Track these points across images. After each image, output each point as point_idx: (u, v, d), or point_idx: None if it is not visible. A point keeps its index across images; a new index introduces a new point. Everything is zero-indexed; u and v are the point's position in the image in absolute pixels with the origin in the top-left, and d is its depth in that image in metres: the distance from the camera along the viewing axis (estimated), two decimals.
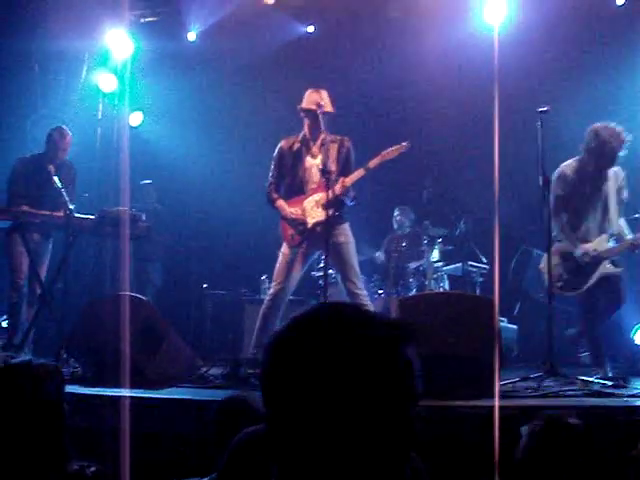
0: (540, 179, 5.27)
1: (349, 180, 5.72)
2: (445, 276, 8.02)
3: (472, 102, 7.21)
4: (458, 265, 7.94)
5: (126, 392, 4.09)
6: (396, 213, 8.55)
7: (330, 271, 5.95)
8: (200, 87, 8.84)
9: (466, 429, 3.90)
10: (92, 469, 2.02)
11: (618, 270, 5.55)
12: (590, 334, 5.65)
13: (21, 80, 8.59)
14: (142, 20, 8.71)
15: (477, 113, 6.64)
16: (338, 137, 5.89)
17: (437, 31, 7.86)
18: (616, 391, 4.61)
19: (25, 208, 6.34)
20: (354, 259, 5.83)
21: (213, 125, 8.91)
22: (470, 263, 7.83)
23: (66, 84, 8.82)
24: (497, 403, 3.58)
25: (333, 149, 5.82)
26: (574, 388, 4.73)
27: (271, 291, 5.87)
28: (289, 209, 5.83)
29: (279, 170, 5.94)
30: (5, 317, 6.91)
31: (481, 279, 7.87)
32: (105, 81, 8.59)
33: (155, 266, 8.68)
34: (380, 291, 7.88)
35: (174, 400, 4.51)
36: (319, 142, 5.86)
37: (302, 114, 5.90)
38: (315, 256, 6.09)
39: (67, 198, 6.18)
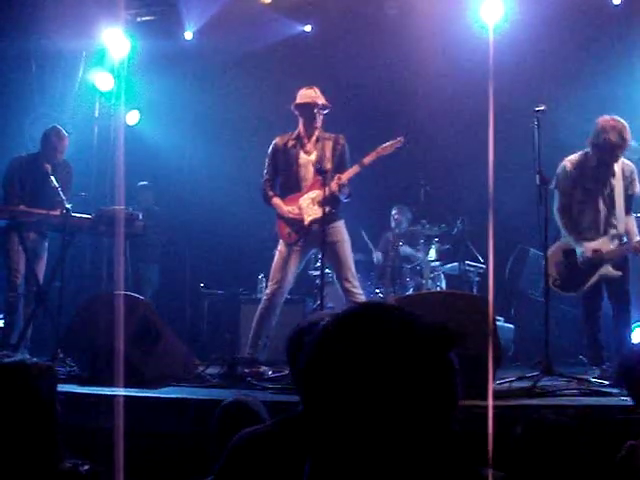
0: (537, 178, 5.24)
1: (345, 176, 5.72)
2: (442, 275, 8.04)
3: (469, 101, 7.20)
4: (455, 264, 7.94)
5: (122, 391, 4.09)
6: (393, 212, 8.55)
7: (327, 270, 5.95)
8: (197, 86, 8.85)
9: (461, 429, 3.89)
10: (85, 467, 2.02)
11: (618, 273, 5.47)
12: (588, 332, 5.60)
13: (18, 79, 8.59)
14: (139, 19, 8.71)
15: (474, 112, 6.63)
16: (332, 135, 5.90)
17: (433, 29, 7.87)
18: (613, 390, 4.61)
19: (22, 207, 6.33)
20: (350, 257, 5.82)
21: (210, 124, 8.90)
22: (467, 262, 7.83)
23: (63, 83, 8.82)
24: (492, 403, 3.58)
25: (328, 146, 5.82)
26: (571, 387, 4.74)
27: (268, 291, 5.87)
28: (286, 207, 5.82)
29: (274, 167, 5.94)
30: (1, 316, 6.90)
31: (478, 278, 7.88)
32: (102, 80, 8.60)
33: (152, 266, 8.68)
34: (377, 290, 7.88)
35: (170, 399, 4.50)
36: (314, 139, 5.87)
37: (296, 112, 5.90)
38: (311, 254, 6.08)
39: (64, 197, 6.18)
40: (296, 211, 5.79)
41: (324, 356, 1.07)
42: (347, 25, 8.57)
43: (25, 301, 6.55)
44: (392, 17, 8.40)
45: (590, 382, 4.90)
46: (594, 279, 5.51)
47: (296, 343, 2.28)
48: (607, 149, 5.38)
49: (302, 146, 5.87)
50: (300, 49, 8.87)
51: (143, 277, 8.40)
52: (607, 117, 5.39)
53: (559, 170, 5.62)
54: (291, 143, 5.89)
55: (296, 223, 5.78)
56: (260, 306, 5.83)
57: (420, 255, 8.02)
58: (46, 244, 6.73)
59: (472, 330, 4.50)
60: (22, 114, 8.44)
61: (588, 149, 5.54)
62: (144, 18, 8.74)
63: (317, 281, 6.98)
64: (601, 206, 5.54)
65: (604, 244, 5.50)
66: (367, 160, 5.76)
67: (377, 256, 8.31)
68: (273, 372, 5.50)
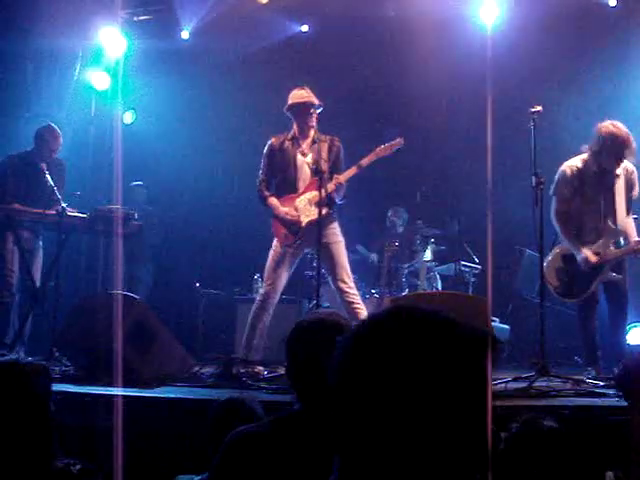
0: (533, 179, 5.22)
1: (343, 177, 5.73)
2: (438, 276, 8.04)
3: (466, 102, 7.23)
4: (451, 265, 7.95)
5: (118, 391, 4.09)
6: (389, 213, 8.55)
7: (322, 270, 5.95)
8: (193, 85, 8.83)
9: None
10: (78, 467, 2.02)
11: (619, 277, 5.45)
12: (584, 333, 5.58)
13: (14, 78, 8.56)
14: (135, 18, 8.69)
15: (471, 113, 6.66)
16: (328, 136, 5.90)
17: (432, 30, 7.86)
18: (608, 391, 4.61)
19: (16, 206, 6.32)
20: (345, 258, 5.82)
21: (206, 123, 8.89)
22: (463, 263, 7.83)
23: (59, 82, 8.79)
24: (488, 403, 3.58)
25: (324, 148, 5.81)
26: (566, 388, 4.74)
27: (262, 291, 5.86)
28: (282, 208, 5.82)
29: (269, 168, 5.92)
30: None
31: (474, 279, 7.88)
32: (98, 79, 8.58)
33: (146, 266, 8.68)
34: (373, 291, 7.88)
35: (166, 399, 4.50)
36: (309, 140, 5.86)
37: (290, 114, 5.90)
38: (304, 254, 6.08)
39: (60, 196, 6.16)
40: (292, 212, 5.79)
41: (363, 361, 1.07)
42: (345, 25, 8.56)
43: (20, 300, 6.53)
44: (390, 18, 8.40)
45: (585, 383, 4.91)
46: (595, 284, 5.47)
47: (296, 341, 2.28)
48: (610, 156, 5.34)
49: (298, 147, 5.86)
50: (297, 49, 8.87)
51: (136, 277, 8.39)
52: (607, 123, 5.34)
53: (558, 176, 5.58)
54: (287, 144, 5.88)
55: (292, 224, 5.77)
56: (254, 306, 5.83)
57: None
58: (41, 243, 6.71)
59: None
60: (18, 113, 8.41)
61: (587, 154, 5.49)
62: (140, 17, 8.72)
63: (313, 281, 6.98)
64: (602, 210, 5.49)
65: (603, 247, 5.46)
66: (365, 162, 5.76)
67: (372, 257, 8.32)
68: (269, 372, 5.50)
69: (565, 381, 4.90)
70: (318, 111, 5.87)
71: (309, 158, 5.81)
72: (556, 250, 5.69)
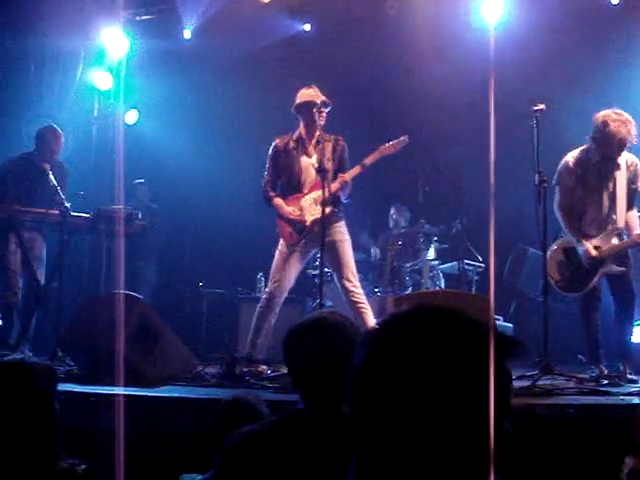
0: (536, 177, 5.22)
1: (348, 176, 5.71)
2: (441, 274, 8.03)
3: (468, 100, 7.20)
4: (454, 263, 7.93)
5: (121, 390, 4.09)
6: (392, 211, 8.55)
7: (326, 269, 5.94)
8: (195, 85, 8.83)
9: None
10: (82, 467, 2.02)
11: (621, 269, 5.41)
12: (586, 331, 5.54)
13: (17, 79, 8.57)
14: (137, 18, 8.69)
15: (473, 111, 6.64)
16: (332, 136, 5.88)
17: (433, 29, 7.86)
18: (612, 389, 4.61)
19: (16, 207, 6.31)
20: (350, 257, 5.81)
21: (209, 123, 8.90)
22: (466, 261, 7.82)
23: (62, 82, 8.80)
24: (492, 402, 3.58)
25: (328, 148, 5.79)
26: (570, 386, 4.74)
27: (267, 290, 5.85)
28: (287, 208, 5.81)
29: (274, 168, 5.91)
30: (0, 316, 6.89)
31: (477, 277, 7.87)
32: (100, 79, 8.59)
33: (150, 265, 8.68)
34: (376, 289, 7.88)
35: (170, 398, 4.50)
36: (314, 141, 5.84)
37: (297, 113, 5.88)
38: (312, 253, 6.08)
39: (63, 197, 6.16)
40: (297, 212, 5.78)
41: (389, 362, 1.06)
42: (347, 24, 8.57)
43: (24, 301, 6.53)
44: (392, 17, 8.39)
45: (589, 381, 4.90)
46: (597, 278, 5.45)
47: (298, 340, 2.27)
48: (612, 143, 5.30)
49: (303, 148, 5.85)
50: (299, 48, 8.87)
51: (140, 277, 8.40)
52: (608, 111, 5.31)
53: (560, 166, 5.57)
54: (292, 145, 5.87)
55: (297, 223, 5.76)
56: (259, 305, 5.82)
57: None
58: (44, 244, 6.70)
59: None
60: (20, 114, 8.42)
61: (589, 144, 5.48)
62: (143, 17, 8.72)
63: (316, 280, 6.97)
64: (605, 201, 5.47)
65: (604, 240, 5.44)
66: (369, 160, 5.74)
67: (375, 251, 8.32)
68: (272, 371, 5.50)
69: (569, 379, 4.89)
70: (327, 110, 5.85)
71: (314, 159, 5.79)
72: (558, 243, 5.67)
